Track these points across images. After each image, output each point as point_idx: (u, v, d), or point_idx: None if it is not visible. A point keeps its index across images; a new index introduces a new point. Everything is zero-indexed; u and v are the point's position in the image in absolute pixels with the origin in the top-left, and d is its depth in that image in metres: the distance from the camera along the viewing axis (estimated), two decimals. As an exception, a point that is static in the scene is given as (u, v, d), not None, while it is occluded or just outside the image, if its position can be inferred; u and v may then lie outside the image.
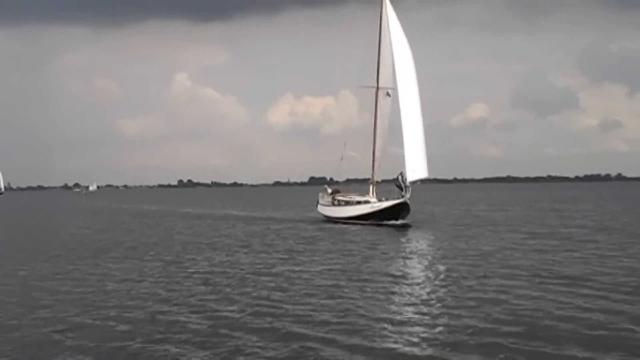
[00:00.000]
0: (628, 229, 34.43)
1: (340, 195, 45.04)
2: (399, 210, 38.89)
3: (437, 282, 18.36)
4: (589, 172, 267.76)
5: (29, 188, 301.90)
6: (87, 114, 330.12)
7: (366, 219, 40.06)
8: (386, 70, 42.60)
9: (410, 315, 14.17)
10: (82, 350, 11.84)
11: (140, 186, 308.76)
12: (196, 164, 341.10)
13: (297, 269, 21.41)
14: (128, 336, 12.77)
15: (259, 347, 11.83)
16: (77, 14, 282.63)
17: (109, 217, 59.61)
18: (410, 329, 12.95)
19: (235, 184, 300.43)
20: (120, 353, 11.74)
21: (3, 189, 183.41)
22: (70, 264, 23.83)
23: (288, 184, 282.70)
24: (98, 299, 16.76)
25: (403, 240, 31.65)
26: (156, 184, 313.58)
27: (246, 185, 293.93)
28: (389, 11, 42.17)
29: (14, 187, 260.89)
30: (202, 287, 18.09)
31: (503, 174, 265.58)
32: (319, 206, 47.08)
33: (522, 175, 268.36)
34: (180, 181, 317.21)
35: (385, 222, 38.63)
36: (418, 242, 30.77)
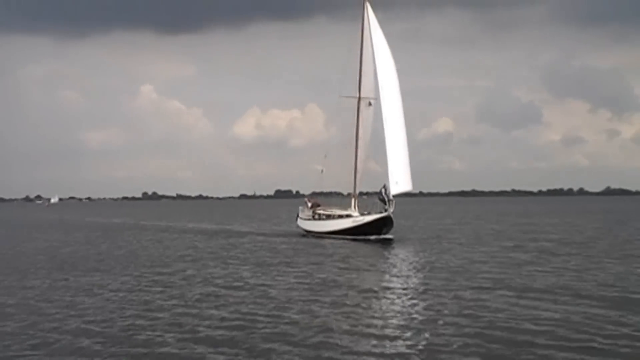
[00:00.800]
0: (597, 243, 34.92)
1: (321, 209, 43.65)
2: (382, 225, 37.83)
3: (413, 296, 18.28)
4: (551, 187, 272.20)
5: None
6: (50, 126, 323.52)
7: (348, 234, 38.85)
8: (367, 79, 41.70)
9: (385, 330, 14.04)
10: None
11: (104, 199, 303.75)
12: (161, 177, 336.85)
13: (270, 282, 21.13)
14: (95, 352, 12.42)
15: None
16: (38, 24, 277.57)
17: (72, 230, 58.30)
18: (384, 343, 12.82)
19: (200, 197, 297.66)
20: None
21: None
22: (36, 278, 23.14)
23: (254, 197, 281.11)
24: (66, 314, 16.27)
25: (379, 254, 31.51)
26: (120, 196, 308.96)
27: (211, 198, 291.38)
28: (372, 20, 41.30)
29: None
30: (174, 301, 17.70)
31: (468, 188, 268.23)
32: (299, 220, 45.70)
33: (487, 189, 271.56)
34: (145, 194, 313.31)
35: (368, 236, 37.61)
36: (394, 255, 30.61)
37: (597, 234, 42.04)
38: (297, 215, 46.37)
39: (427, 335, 13.35)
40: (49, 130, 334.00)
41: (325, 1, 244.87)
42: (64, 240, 43.90)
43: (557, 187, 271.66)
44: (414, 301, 17.48)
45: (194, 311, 16.29)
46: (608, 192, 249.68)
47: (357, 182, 42.46)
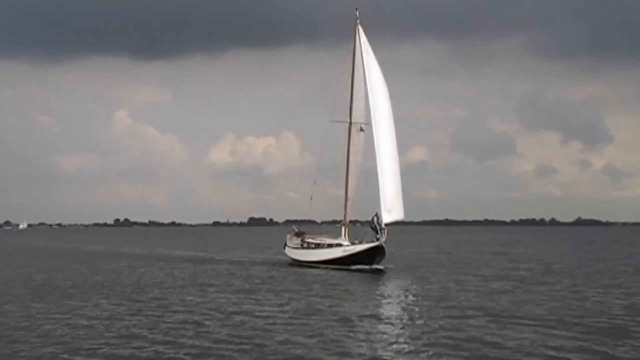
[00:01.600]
0: (574, 272, 35.11)
1: (309, 237, 41.97)
2: (374, 254, 36.21)
3: (397, 324, 18.17)
4: (524, 217, 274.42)
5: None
6: (23, 150, 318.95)
7: (338, 264, 37.31)
8: (358, 103, 40.59)
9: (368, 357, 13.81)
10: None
11: (75, 224, 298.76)
12: (134, 203, 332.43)
13: (257, 312, 20.66)
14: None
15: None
16: (12, 49, 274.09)
17: (42, 257, 56.99)
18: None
19: (173, 224, 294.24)
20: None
21: None
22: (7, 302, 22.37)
23: (227, 224, 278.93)
24: (43, 343, 15.68)
25: (366, 282, 31.17)
26: (92, 222, 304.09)
27: (184, 225, 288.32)
28: (364, 44, 40.17)
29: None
30: (153, 331, 17.18)
31: (441, 217, 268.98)
32: (286, 248, 44.10)
33: (460, 218, 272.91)
34: (117, 220, 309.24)
35: (358, 266, 36.13)
36: (382, 285, 30.22)
37: (575, 263, 42.26)
38: (285, 244, 44.74)
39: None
40: (22, 154, 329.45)
41: (303, 30, 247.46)
42: (36, 266, 42.74)
43: (530, 217, 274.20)
44: (400, 330, 17.28)
45: (171, 339, 15.92)
46: (579, 222, 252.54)
47: (348, 210, 41.01)
